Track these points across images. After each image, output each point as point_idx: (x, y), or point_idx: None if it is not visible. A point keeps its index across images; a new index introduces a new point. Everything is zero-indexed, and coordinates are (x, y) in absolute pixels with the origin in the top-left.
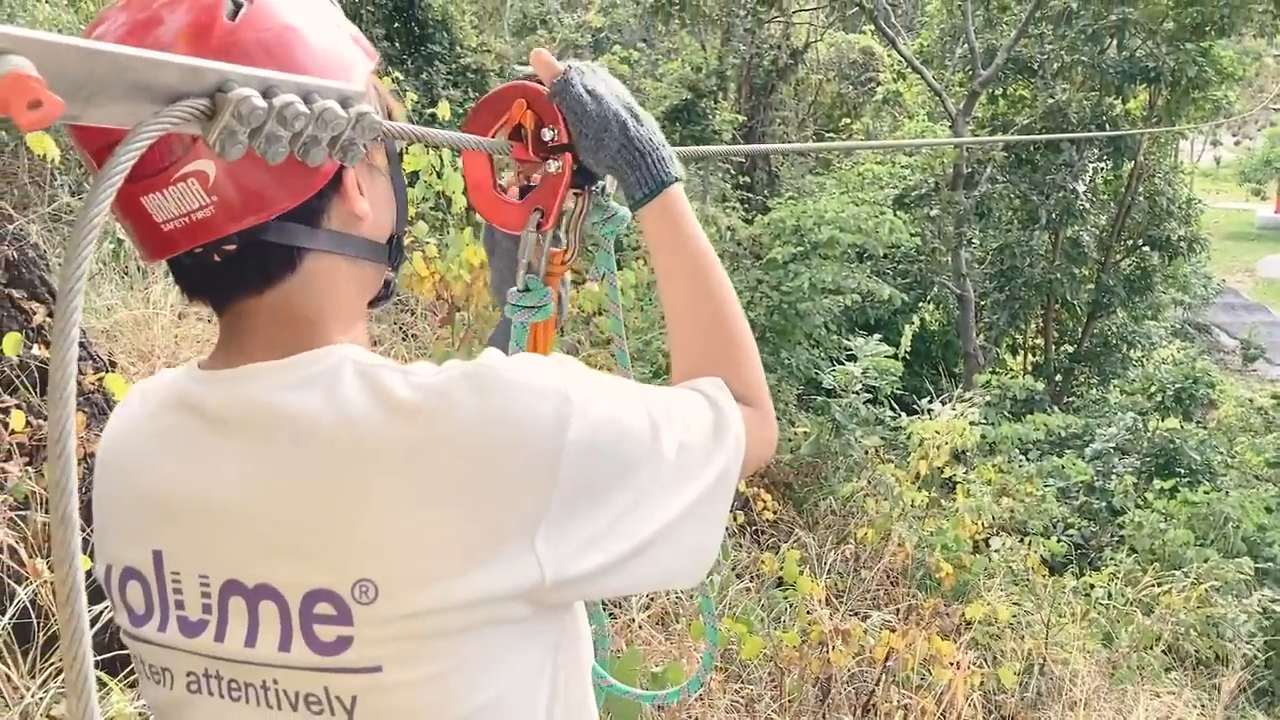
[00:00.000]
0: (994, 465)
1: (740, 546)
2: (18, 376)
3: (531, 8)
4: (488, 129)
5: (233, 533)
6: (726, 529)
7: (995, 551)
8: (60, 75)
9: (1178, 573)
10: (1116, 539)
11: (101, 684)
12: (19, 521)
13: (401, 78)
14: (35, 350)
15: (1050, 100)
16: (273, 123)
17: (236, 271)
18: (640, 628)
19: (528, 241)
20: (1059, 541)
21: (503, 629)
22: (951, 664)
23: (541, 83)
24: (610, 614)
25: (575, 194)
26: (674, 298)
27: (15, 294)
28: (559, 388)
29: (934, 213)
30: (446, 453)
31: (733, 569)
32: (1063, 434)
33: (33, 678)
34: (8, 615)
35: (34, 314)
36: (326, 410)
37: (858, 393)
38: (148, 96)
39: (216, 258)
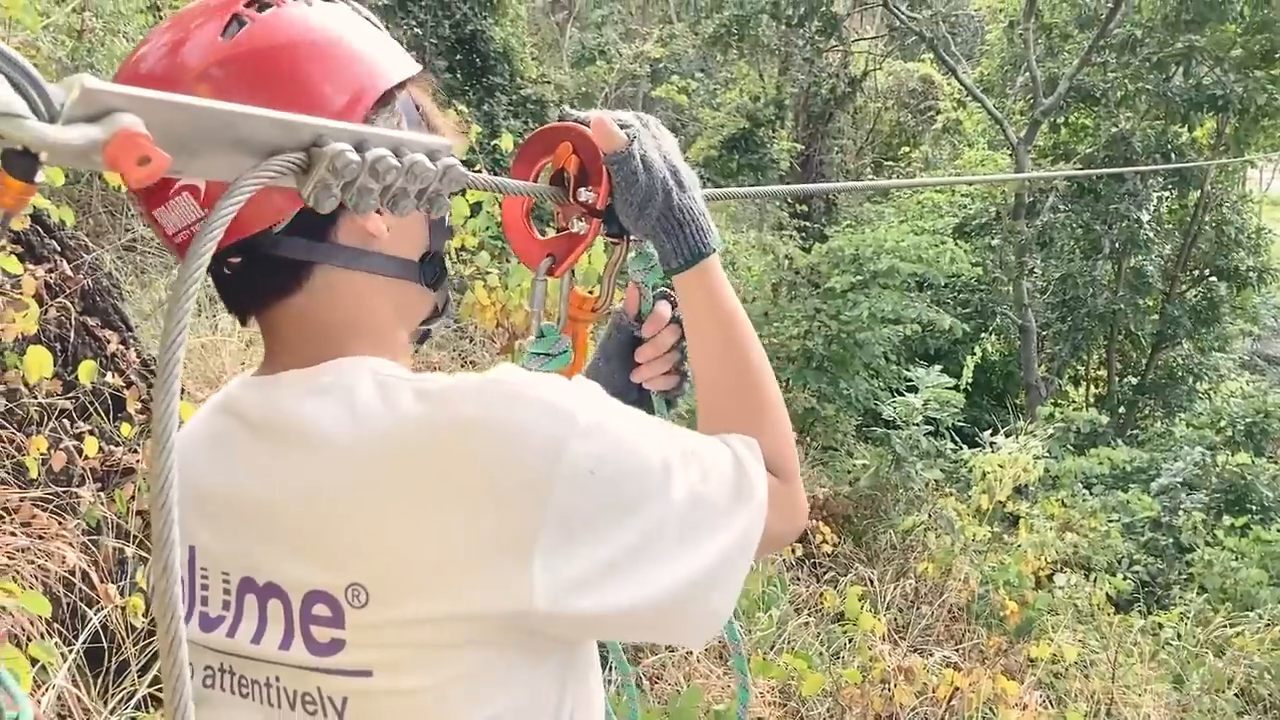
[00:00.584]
0: (1057, 499)
1: (798, 580)
2: (91, 403)
3: (590, 39)
4: (535, 162)
5: (251, 532)
6: (784, 561)
7: (1059, 588)
8: (166, 131)
9: (1251, 614)
10: (1185, 577)
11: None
12: (91, 546)
13: (464, 109)
14: (109, 378)
15: (1114, 129)
16: (365, 176)
17: (246, 283)
18: (699, 661)
19: (537, 286)
20: (1125, 579)
21: (500, 650)
22: (1018, 704)
23: (586, 124)
24: (668, 648)
25: (613, 242)
26: (706, 365)
27: (90, 322)
28: (564, 408)
29: (995, 242)
30: (440, 461)
31: (791, 603)
32: (1127, 468)
33: (104, 702)
34: (80, 639)
35: (108, 342)
36: (340, 418)
37: (918, 424)
38: (246, 150)
39: (226, 270)
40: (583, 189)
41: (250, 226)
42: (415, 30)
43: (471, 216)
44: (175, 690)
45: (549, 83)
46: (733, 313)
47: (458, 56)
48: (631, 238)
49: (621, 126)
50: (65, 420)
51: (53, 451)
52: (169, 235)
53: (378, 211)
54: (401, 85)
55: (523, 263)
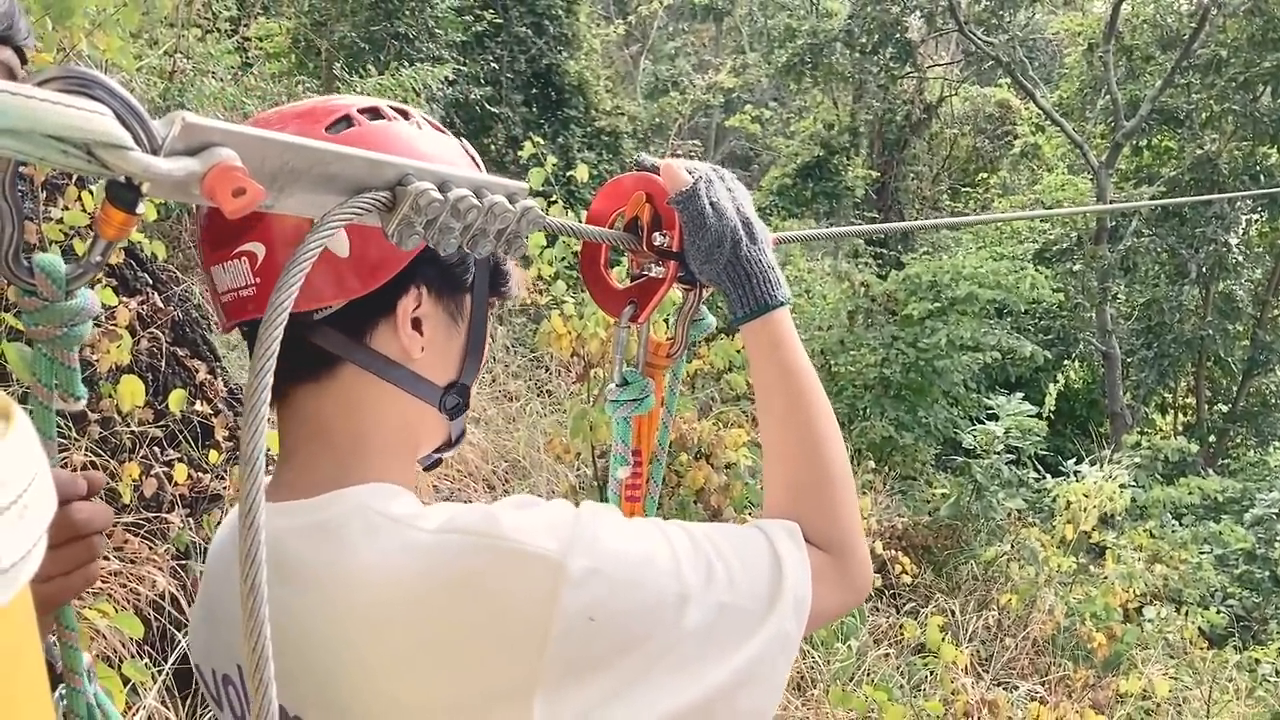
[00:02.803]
0: (1145, 530)
1: (877, 610)
2: (180, 431)
3: (664, 70)
4: (610, 210)
5: (284, 667)
6: None
7: (1148, 621)
8: (259, 166)
9: None
10: None
11: None
12: (180, 571)
13: (540, 141)
14: (197, 406)
15: (1199, 151)
16: (447, 215)
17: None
18: None
19: (620, 334)
20: (1218, 612)
21: None
22: None
23: (669, 188)
24: None
25: (686, 289)
26: (769, 423)
27: (180, 352)
28: (553, 558)
29: (1077, 267)
30: (430, 618)
31: (870, 634)
32: (1219, 498)
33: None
34: (170, 661)
35: (197, 371)
36: (329, 564)
37: (999, 453)
38: (334, 188)
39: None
40: (658, 234)
41: (296, 304)
42: (492, 65)
43: (548, 246)
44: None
45: (623, 114)
46: (799, 371)
47: (533, 90)
48: (703, 285)
49: (689, 172)
50: (156, 448)
51: (144, 478)
52: (217, 293)
53: (419, 331)
54: None
55: (603, 311)
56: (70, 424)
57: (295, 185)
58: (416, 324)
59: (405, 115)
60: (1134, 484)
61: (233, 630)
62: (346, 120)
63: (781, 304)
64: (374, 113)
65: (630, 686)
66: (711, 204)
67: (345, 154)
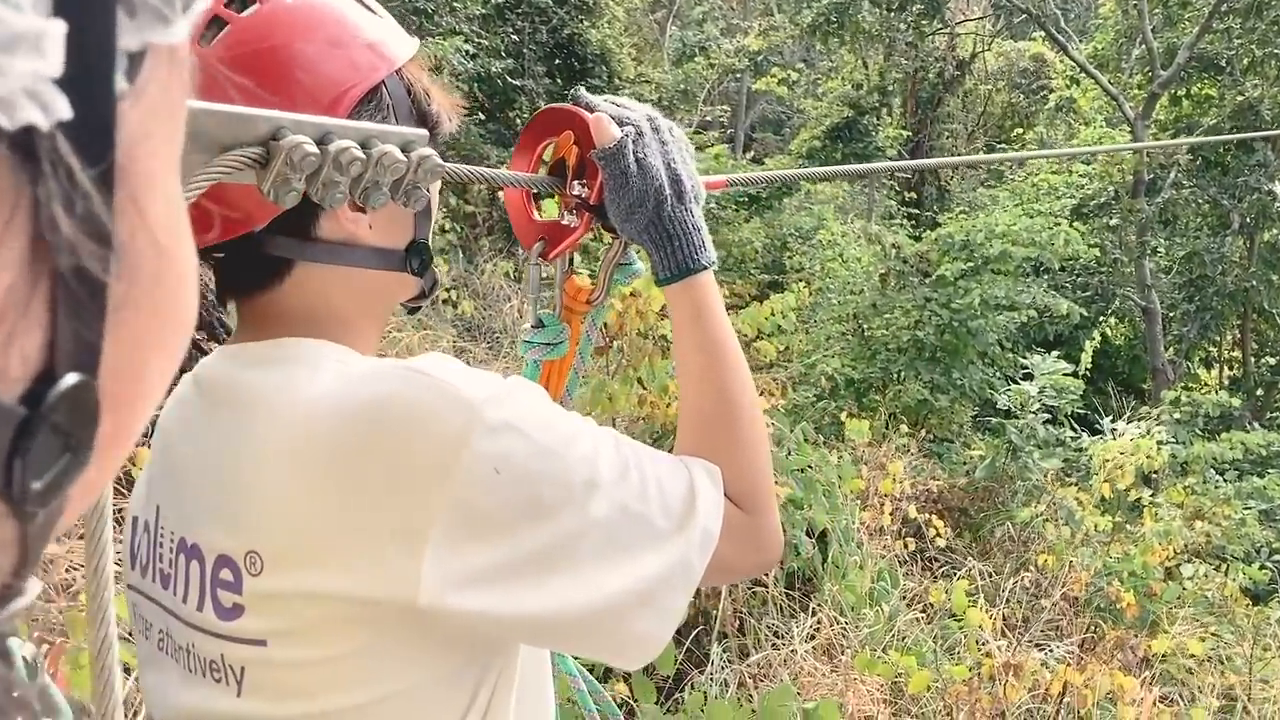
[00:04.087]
0: (1185, 487)
1: (911, 575)
2: None
3: (691, 36)
4: (539, 141)
5: (188, 492)
6: (896, 555)
7: (1188, 579)
8: None
9: None
10: None
11: None
12: None
13: None
14: None
15: (1240, 98)
16: (328, 169)
17: (229, 275)
18: (803, 659)
19: (532, 272)
20: (1262, 568)
21: (393, 636)
22: (1135, 700)
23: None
24: (774, 645)
25: (613, 236)
26: (686, 384)
27: (196, 335)
28: (473, 402)
29: (1114, 222)
30: (344, 440)
31: (903, 598)
32: (1264, 452)
33: None
34: None
35: (211, 352)
36: (276, 389)
37: (1035, 413)
38: (199, 146)
39: (210, 262)
40: (576, 182)
41: (239, 226)
42: (513, 37)
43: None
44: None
45: (648, 82)
46: (718, 335)
47: (556, 61)
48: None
49: (622, 124)
50: None
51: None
52: None
53: (360, 209)
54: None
55: (519, 243)
56: None
57: None
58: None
59: None
60: (1174, 440)
61: (161, 475)
62: (217, 23)
63: (704, 267)
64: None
65: (525, 564)
66: (637, 161)
67: (206, 110)
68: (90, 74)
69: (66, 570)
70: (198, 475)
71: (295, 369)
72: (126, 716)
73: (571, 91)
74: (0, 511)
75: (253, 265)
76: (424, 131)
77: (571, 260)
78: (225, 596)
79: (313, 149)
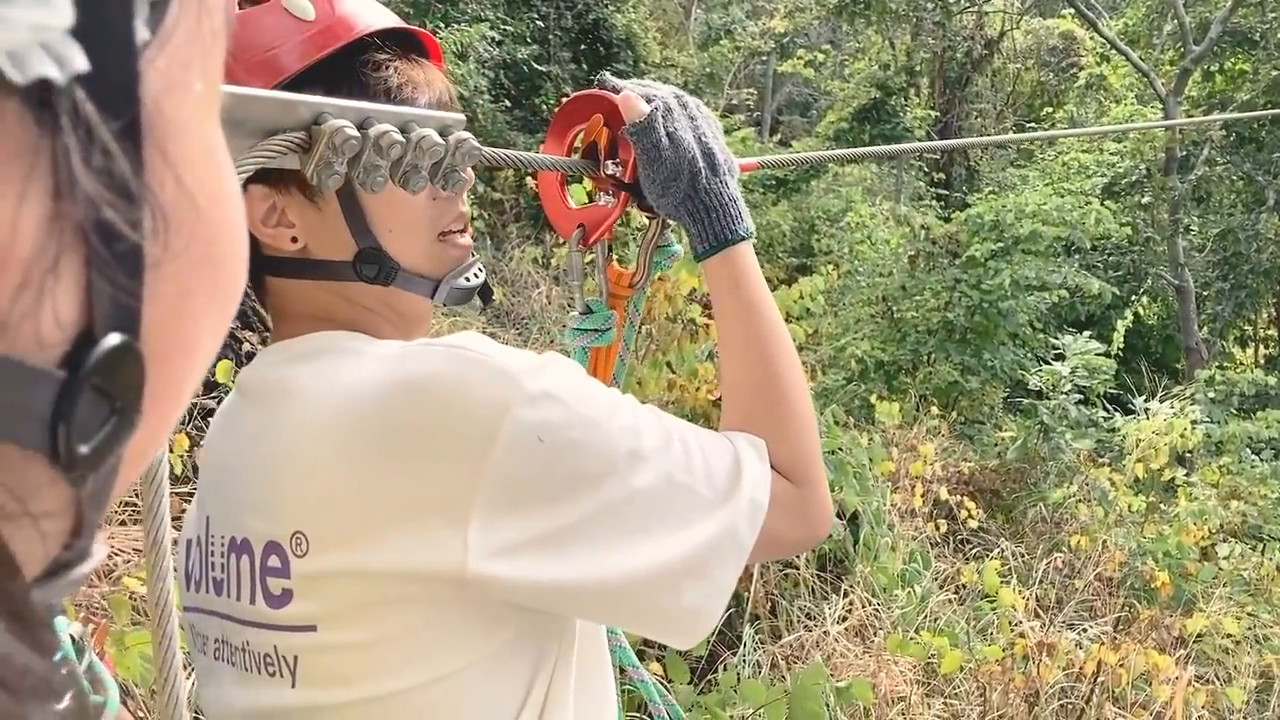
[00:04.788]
0: (1220, 466)
1: (943, 556)
2: None
3: (716, 19)
4: (569, 129)
5: (234, 490)
6: (928, 537)
7: (1223, 559)
8: None
9: None
10: None
11: None
12: None
13: None
14: None
15: (1275, 72)
16: (370, 153)
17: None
18: (836, 640)
19: (574, 259)
20: None
21: (442, 611)
22: (1170, 680)
23: (625, 119)
24: (806, 626)
25: (649, 217)
26: (728, 358)
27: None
28: (513, 373)
29: (1146, 200)
30: (385, 416)
31: (935, 579)
32: None
33: None
34: None
35: (245, 341)
36: (313, 376)
37: (1067, 393)
38: (243, 132)
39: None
40: (610, 162)
41: None
42: (538, 23)
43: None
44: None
45: (673, 66)
46: (760, 306)
47: (581, 46)
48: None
49: (648, 100)
50: (209, 419)
51: (194, 449)
52: None
53: (290, 224)
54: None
55: (558, 233)
56: None
57: None
58: (285, 216)
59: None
60: (1208, 420)
61: (206, 488)
62: None
63: (743, 238)
64: None
65: (573, 533)
66: (669, 135)
67: (252, 96)
68: (106, 23)
69: (109, 555)
70: (241, 471)
71: (330, 357)
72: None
73: (597, 76)
74: (49, 478)
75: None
76: (461, 116)
77: (611, 246)
78: (274, 583)
79: (354, 133)
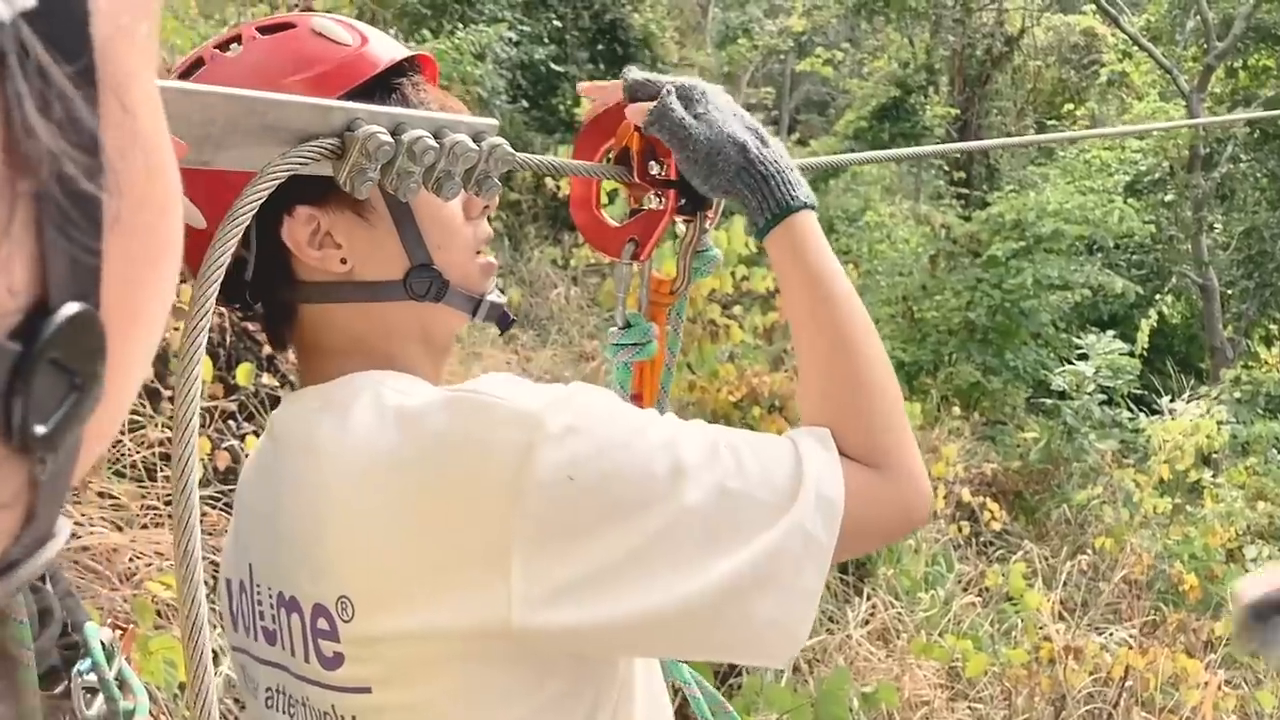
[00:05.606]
0: (1246, 467)
1: (966, 559)
2: (250, 403)
3: (734, 18)
4: (596, 148)
5: (276, 544)
6: (951, 540)
7: (1251, 561)
8: (184, 121)
9: None
10: None
11: None
12: None
13: None
14: (265, 379)
15: None
16: (403, 159)
17: (261, 322)
18: (859, 644)
19: (621, 273)
20: None
21: (493, 666)
22: (1200, 684)
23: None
24: (828, 629)
25: (686, 221)
26: (800, 333)
27: (251, 326)
28: (534, 414)
29: (1170, 198)
30: (409, 474)
31: (958, 582)
32: None
33: None
34: None
35: (264, 344)
36: (335, 433)
37: (1091, 394)
38: (276, 139)
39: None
40: (653, 162)
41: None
42: (556, 23)
43: (608, 204)
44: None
45: (691, 65)
46: (829, 276)
47: (599, 46)
48: (704, 214)
49: (653, 93)
50: (230, 421)
51: (216, 452)
52: None
53: (337, 245)
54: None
55: (596, 249)
56: (145, 401)
57: (232, 138)
58: (330, 239)
59: (286, 26)
60: (1234, 420)
61: (246, 533)
62: (199, 63)
63: (804, 205)
64: (233, 41)
65: (621, 567)
66: (695, 115)
67: (284, 101)
68: None
69: (130, 559)
70: (280, 526)
71: (362, 406)
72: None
73: (624, 73)
74: (2, 455)
75: (268, 315)
76: (494, 121)
77: (652, 257)
78: (325, 646)
79: (387, 139)
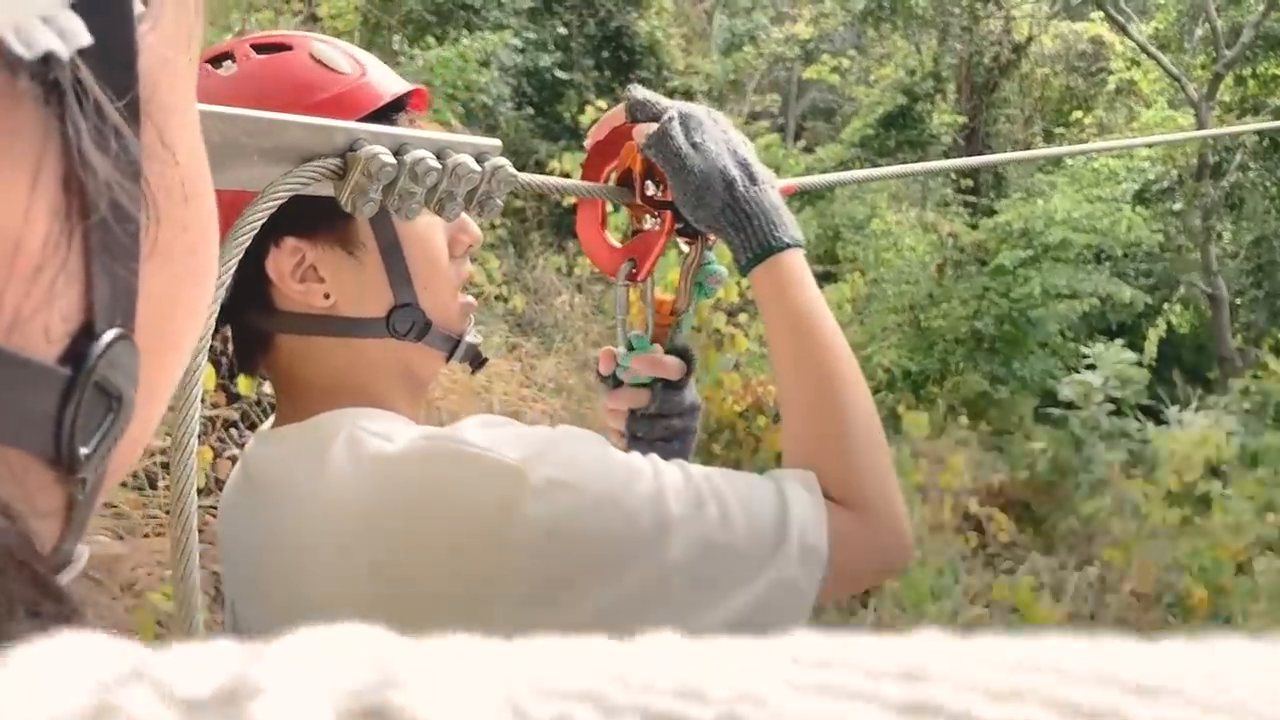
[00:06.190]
0: (1255, 479)
1: (972, 570)
2: (253, 411)
3: (740, 25)
4: (603, 167)
5: (257, 593)
6: (959, 552)
7: (1261, 574)
8: None
9: None
10: None
11: None
12: None
13: (605, 107)
14: (266, 388)
15: None
16: (405, 179)
17: (234, 350)
18: None
19: (619, 295)
20: None
21: None
22: None
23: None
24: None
25: (689, 240)
26: (782, 372)
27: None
28: (516, 466)
29: (1178, 207)
30: (387, 526)
31: (965, 594)
32: None
33: None
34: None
35: None
36: (309, 478)
37: (1099, 404)
38: (278, 158)
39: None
40: (650, 183)
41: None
42: (561, 30)
43: (614, 212)
44: None
45: (697, 73)
46: (812, 316)
47: (604, 53)
48: (707, 235)
49: (659, 115)
50: (233, 430)
51: (217, 461)
52: None
53: (320, 279)
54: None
55: (599, 268)
56: None
57: (235, 159)
58: (314, 272)
59: (282, 47)
60: (1243, 431)
61: (229, 568)
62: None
63: (788, 245)
64: (223, 58)
65: (603, 620)
66: (691, 143)
67: (286, 121)
68: None
69: (131, 569)
70: (257, 574)
71: (326, 455)
72: None
73: (627, 91)
74: (47, 480)
75: (239, 338)
76: (496, 142)
77: (652, 278)
78: None
79: (389, 159)
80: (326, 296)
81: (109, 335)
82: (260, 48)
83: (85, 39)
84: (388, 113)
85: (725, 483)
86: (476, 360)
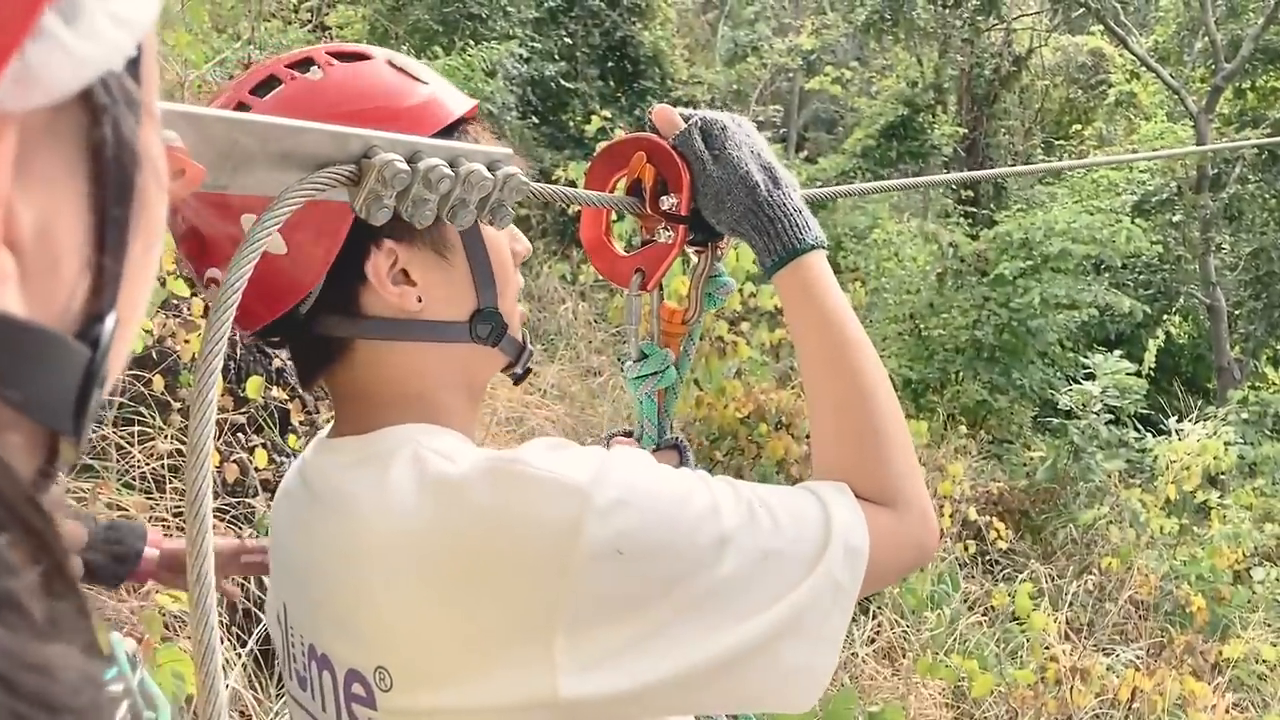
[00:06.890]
0: (1254, 488)
1: (972, 577)
2: (260, 416)
3: (743, 36)
4: (608, 178)
5: (310, 597)
6: (957, 558)
7: (1259, 583)
8: (206, 145)
9: None
10: None
11: None
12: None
13: (609, 115)
14: (274, 391)
15: None
16: (418, 186)
17: (297, 361)
18: (864, 662)
19: (632, 304)
20: None
21: None
22: (1207, 707)
23: (664, 135)
24: None
25: (698, 251)
26: (810, 375)
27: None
28: (581, 487)
29: (1177, 218)
30: (452, 548)
31: (964, 600)
32: None
33: (279, 698)
34: (252, 641)
35: (274, 358)
36: (372, 493)
37: (1098, 413)
38: (293, 164)
39: (267, 346)
40: (664, 196)
41: (275, 305)
42: (566, 40)
43: (618, 220)
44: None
45: (700, 83)
46: (837, 317)
47: (609, 63)
48: (716, 245)
49: (685, 118)
50: (240, 434)
51: (225, 464)
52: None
53: (412, 283)
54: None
55: (606, 277)
56: (154, 413)
57: (251, 164)
58: (404, 276)
59: (361, 56)
60: (1241, 441)
61: (280, 570)
62: (272, 80)
63: (812, 247)
64: (305, 63)
65: (664, 630)
66: (717, 148)
67: (301, 128)
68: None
69: None
70: (314, 583)
71: (389, 471)
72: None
73: (649, 113)
74: (57, 444)
75: (311, 347)
76: (508, 150)
77: (662, 286)
78: (360, 711)
79: (403, 166)
80: (419, 300)
81: (111, 319)
82: (340, 55)
83: (132, 50)
84: (461, 122)
85: (770, 494)
86: (523, 374)
